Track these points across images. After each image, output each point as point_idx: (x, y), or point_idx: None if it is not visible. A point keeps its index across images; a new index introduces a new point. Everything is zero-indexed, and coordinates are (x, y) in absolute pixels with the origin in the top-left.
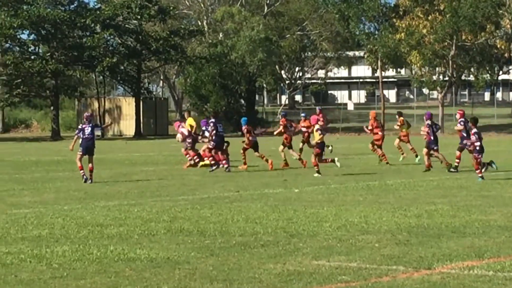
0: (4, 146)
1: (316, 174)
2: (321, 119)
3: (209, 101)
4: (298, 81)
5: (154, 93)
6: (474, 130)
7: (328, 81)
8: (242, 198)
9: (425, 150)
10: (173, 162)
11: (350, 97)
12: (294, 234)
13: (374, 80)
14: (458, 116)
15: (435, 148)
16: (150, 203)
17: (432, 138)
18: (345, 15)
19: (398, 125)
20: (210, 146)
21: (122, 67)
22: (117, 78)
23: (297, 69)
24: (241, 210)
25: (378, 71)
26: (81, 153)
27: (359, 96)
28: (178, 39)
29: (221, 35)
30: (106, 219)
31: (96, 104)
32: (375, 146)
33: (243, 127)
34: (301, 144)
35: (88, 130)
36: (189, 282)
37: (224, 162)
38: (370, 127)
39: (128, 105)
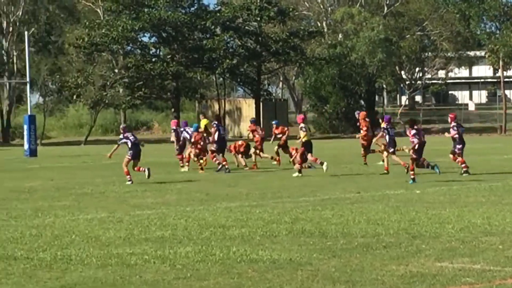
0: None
1: (295, 174)
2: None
3: (329, 102)
4: (418, 82)
5: (273, 94)
6: (413, 131)
7: (448, 81)
8: (363, 199)
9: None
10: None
11: (471, 98)
12: (416, 235)
13: (495, 80)
14: (449, 120)
15: (391, 150)
16: (272, 204)
17: (388, 140)
18: (466, 15)
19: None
20: (213, 149)
21: (242, 69)
22: (237, 79)
23: (417, 69)
24: (362, 211)
25: (500, 71)
26: (129, 157)
27: (480, 96)
28: (297, 40)
29: (340, 36)
30: (228, 220)
31: (216, 106)
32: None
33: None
34: (276, 147)
35: (132, 137)
36: (312, 284)
37: (224, 163)
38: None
39: (248, 107)
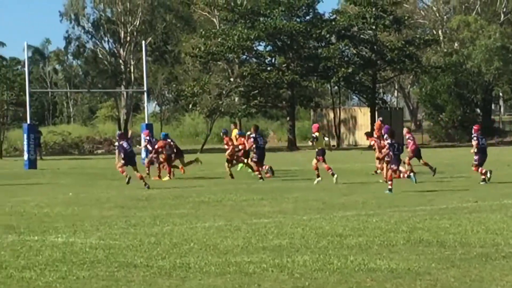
0: None
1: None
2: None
3: (445, 110)
4: None
5: (388, 103)
6: (389, 141)
7: None
8: (481, 209)
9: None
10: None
11: None
12: None
13: None
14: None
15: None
16: (388, 213)
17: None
18: None
19: None
20: (254, 160)
21: (357, 77)
22: (352, 88)
23: None
24: (481, 220)
25: None
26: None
27: None
28: (413, 49)
29: (456, 44)
30: (345, 229)
31: (331, 115)
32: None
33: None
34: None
35: (126, 145)
36: None
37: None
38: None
39: (363, 115)
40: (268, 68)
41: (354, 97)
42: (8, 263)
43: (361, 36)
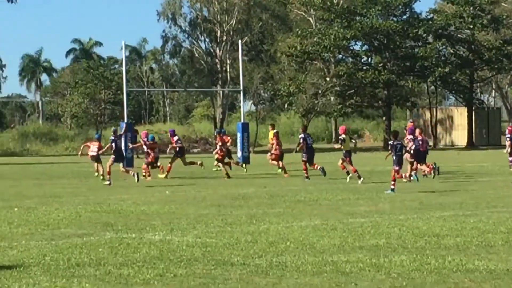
0: (337, 156)
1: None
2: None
3: None
4: None
5: (486, 103)
6: (391, 142)
7: None
8: None
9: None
10: (507, 173)
11: None
12: None
13: None
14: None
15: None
16: (487, 214)
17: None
18: None
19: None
20: (304, 159)
21: (454, 77)
22: (449, 88)
23: None
24: None
25: None
26: (112, 160)
27: None
28: (511, 48)
29: None
30: (442, 229)
31: (428, 115)
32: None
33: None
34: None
35: (119, 142)
36: None
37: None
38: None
39: (460, 115)
40: (364, 68)
41: (451, 96)
42: (106, 260)
43: (458, 35)
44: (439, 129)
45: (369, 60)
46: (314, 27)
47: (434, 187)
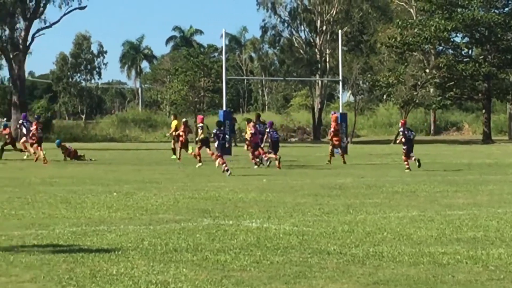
0: (436, 148)
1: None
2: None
3: None
4: None
5: None
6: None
7: None
8: None
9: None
10: None
11: None
12: None
13: None
14: None
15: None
16: None
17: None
18: None
19: None
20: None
21: None
22: None
23: None
24: None
25: None
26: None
27: None
28: None
29: None
30: None
31: None
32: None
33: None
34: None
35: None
36: None
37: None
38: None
39: None
40: (465, 60)
41: None
42: (203, 246)
43: None
44: None
45: (470, 52)
46: (414, 18)
47: None
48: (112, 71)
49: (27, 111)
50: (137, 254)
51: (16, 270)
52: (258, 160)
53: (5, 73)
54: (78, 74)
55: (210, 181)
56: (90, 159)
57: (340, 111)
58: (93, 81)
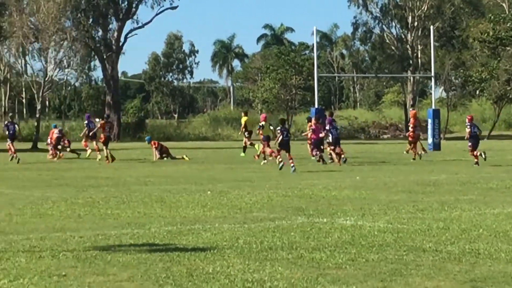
0: None
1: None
2: None
3: None
4: None
5: None
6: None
7: None
8: None
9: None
10: None
11: None
12: None
13: None
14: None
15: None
16: None
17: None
18: None
19: None
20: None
21: None
22: None
23: None
24: None
25: None
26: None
27: None
28: None
29: None
30: None
31: None
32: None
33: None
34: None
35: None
36: None
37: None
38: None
39: None
40: None
41: None
42: (298, 244)
43: None
44: None
45: None
46: (507, 12)
47: None
48: (203, 70)
49: (120, 111)
50: (233, 252)
51: (114, 269)
52: (319, 156)
53: (98, 73)
54: (170, 74)
55: (303, 179)
56: (183, 157)
57: (433, 107)
58: (185, 80)
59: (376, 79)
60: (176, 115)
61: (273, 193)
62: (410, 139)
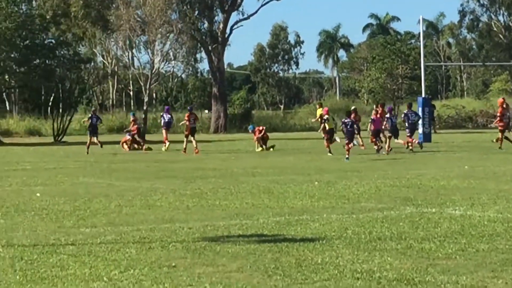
0: None
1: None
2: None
3: None
4: None
5: None
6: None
7: None
8: None
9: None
10: None
11: None
12: None
13: None
14: None
15: None
16: None
17: None
18: None
19: None
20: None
21: None
22: None
23: None
24: None
25: None
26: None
27: None
28: None
29: None
30: None
31: None
32: None
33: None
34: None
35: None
36: None
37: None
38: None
39: None
40: None
41: None
42: (407, 234)
43: None
44: None
45: None
46: None
47: None
48: (309, 61)
49: (226, 102)
50: (341, 243)
51: (223, 260)
52: (380, 145)
53: (204, 65)
54: (276, 65)
55: (410, 168)
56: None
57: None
58: (290, 71)
59: (483, 67)
60: (282, 106)
61: (380, 183)
62: (500, 128)
